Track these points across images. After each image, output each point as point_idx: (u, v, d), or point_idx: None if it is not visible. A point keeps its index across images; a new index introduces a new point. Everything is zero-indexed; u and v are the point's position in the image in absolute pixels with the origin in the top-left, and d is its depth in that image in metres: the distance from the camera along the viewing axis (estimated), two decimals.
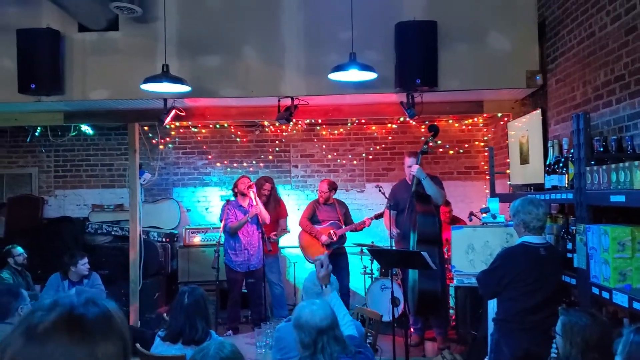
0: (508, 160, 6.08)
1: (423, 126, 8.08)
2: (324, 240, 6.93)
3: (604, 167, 3.33)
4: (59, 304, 1.05)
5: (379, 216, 6.90)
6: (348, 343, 2.87)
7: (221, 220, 6.82)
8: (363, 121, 8.25)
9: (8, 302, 3.83)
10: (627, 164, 3.03)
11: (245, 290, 7.03)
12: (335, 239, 6.97)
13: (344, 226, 7.08)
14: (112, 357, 1.04)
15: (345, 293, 7.03)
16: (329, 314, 2.83)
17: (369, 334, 4.47)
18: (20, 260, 6.40)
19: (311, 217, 7.16)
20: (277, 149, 8.49)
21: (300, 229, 7.26)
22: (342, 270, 7.05)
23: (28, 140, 8.54)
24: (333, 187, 7.22)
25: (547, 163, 4.33)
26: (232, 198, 7.07)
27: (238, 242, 6.78)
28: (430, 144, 5.92)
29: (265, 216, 6.83)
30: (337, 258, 7.05)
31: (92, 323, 1.04)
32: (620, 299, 3.06)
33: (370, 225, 7.05)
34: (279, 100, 5.86)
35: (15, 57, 5.54)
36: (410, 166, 5.94)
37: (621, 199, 3.02)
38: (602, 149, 3.64)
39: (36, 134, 8.47)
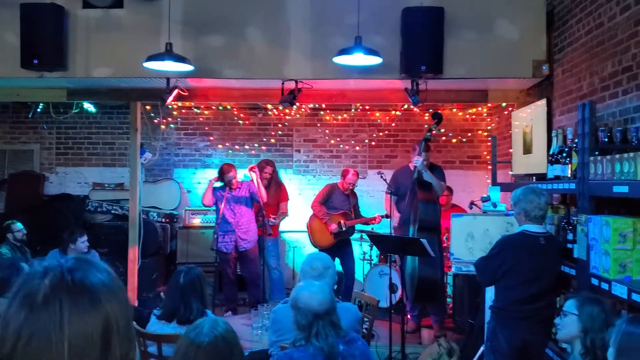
0: (511, 150, 6.05)
1: (427, 114, 8.05)
2: (333, 228, 6.88)
3: (608, 157, 3.30)
4: (50, 269, 1.02)
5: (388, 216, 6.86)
6: (344, 328, 2.85)
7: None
8: (367, 107, 8.21)
9: (9, 276, 3.81)
10: (631, 154, 3.00)
11: (240, 272, 7.04)
12: (344, 229, 6.94)
13: (354, 217, 7.05)
14: (121, 315, 1.02)
15: (350, 278, 7.05)
16: (327, 299, 2.81)
17: (365, 319, 4.46)
18: (19, 236, 6.40)
19: (325, 202, 7.09)
20: (279, 132, 8.46)
21: (310, 211, 7.17)
22: (348, 256, 7.09)
23: (30, 116, 8.53)
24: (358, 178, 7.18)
25: (551, 153, 4.30)
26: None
27: (224, 223, 6.72)
28: (434, 131, 5.89)
29: (263, 194, 6.71)
30: (344, 248, 7.06)
31: (92, 285, 1.01)
32: (620, 291, 3.04)
33: (380, 222, 7.02)
34: (282, 83, 5.81)
35: (18, 32, 5.49)
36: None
37: (624, 189, 3.00)
38: (606, 140, 3.62)
39: (38, 110, 8.45)
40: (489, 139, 7.28)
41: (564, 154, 4.08)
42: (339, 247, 6.98)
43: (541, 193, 3.77)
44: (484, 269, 3.88)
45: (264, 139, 8.47)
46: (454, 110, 8.12)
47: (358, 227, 7.31)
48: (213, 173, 8.37)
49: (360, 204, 7.37)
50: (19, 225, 6.43)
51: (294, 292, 2.92)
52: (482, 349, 4.46)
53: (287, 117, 8.40)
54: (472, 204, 6.34)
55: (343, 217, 6.96)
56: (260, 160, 7.47)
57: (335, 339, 2.74)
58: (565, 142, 4.20)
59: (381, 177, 6.54)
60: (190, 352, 2.16)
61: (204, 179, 8.50)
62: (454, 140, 8.20)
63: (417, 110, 7.95)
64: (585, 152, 3.60)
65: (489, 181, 6.83)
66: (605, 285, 3.22)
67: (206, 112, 8.47)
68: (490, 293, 4.40)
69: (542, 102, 5.23)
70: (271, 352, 3.37)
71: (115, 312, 1.01)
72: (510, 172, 6.05)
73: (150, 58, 5.12)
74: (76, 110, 8.41)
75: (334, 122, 8.38)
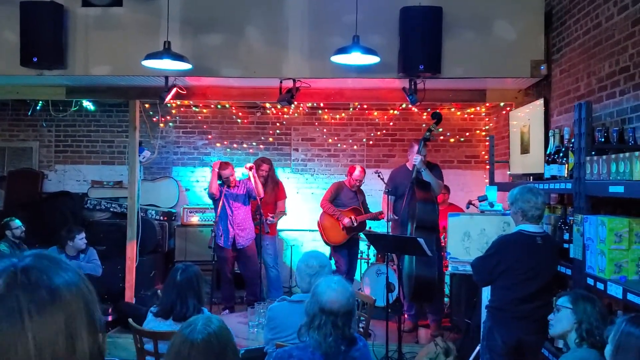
0: (509, 149, 6.05)
1: (425, 113, 8.06)
2: (347, 222, 6.89)
3: (604, 157, 3.31)
4: (2, 270, 1.00)
5: None
6: (352, 334, 2.80)
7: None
8: (365, 106, 8.22)
9: None
10: (627, 154, 3.00)
11: (238, 271, 7.05)
12: (356, 224, 6.95)
13: (363, 213, 7.07)
14: (83, 312, 1.01)
15: (349, 278, 7.06)
16: (339, 300, 2.73)
17: (362, 317, 4.47)
18: (17, 234, 6.41)
19: (333, 200, 7.08)
20: (277, 131, 8.47)
21: (319, 210, 7.18)
22: (354, 258, 7.15)
23: (29, 114, 8.53)
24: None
25: (548, 152, 4.31)
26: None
27: (222, 220, 6.73)
28: (433, 131, 5.90)
29: (259, 190, 6.70)
30: (353, 245, 7.07)
31: (50, 281, 1.00)
32: (615, 291, 3.04)
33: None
34: (280, 82, 5.82)
35: (18, 30, 5.49)
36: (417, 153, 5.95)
37: (620, 189, 3.00)
38: (603, 140, 3.62)
39: (38, 108, 8.45)
40: (487, 138, 7.29)
41: (561, 154, 4.09)
42: (349, 248, 7.03)
43: (538, 193, 3.78)
44: (480, 268, 3.89)
45: (262, 138, 8.48)
46: (452, 109, 8.12)
47: None
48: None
49: None
50: (17, 223, 6.44)
51: (319, 280, 2.90)
52: (478, 348, 4.48)
53: (285, 116, 8.40)
54: (469, 203, 6.36)
55: (353, 213, 6.99)
56: (257, 158, 7.48)
57: (336, 341, 2.70)
58: (562, 141, 4.21)
59: (378, 176, 6.55)
60: (183, 349, 2.17)
61: (202, 177, 8.51)
62: (452, 140, 8.20)
63: (415, 109, 7.96)
64: (582, 152, 3.60)
65: (487, 181, 6.84)
66: (600, 285, 3.22)
67: (205, 110, 8.47)
68: (486, 292, 4.40)
69: (540, 102, 5.24)
70: (267, 350, 3.38)
71: (78, 308, 1.00)
72: (508, 172, 6.06)
73: (149, 56, 5.13)
74: (75, 108, 8.42)
75: (332, 121, 8.39)
